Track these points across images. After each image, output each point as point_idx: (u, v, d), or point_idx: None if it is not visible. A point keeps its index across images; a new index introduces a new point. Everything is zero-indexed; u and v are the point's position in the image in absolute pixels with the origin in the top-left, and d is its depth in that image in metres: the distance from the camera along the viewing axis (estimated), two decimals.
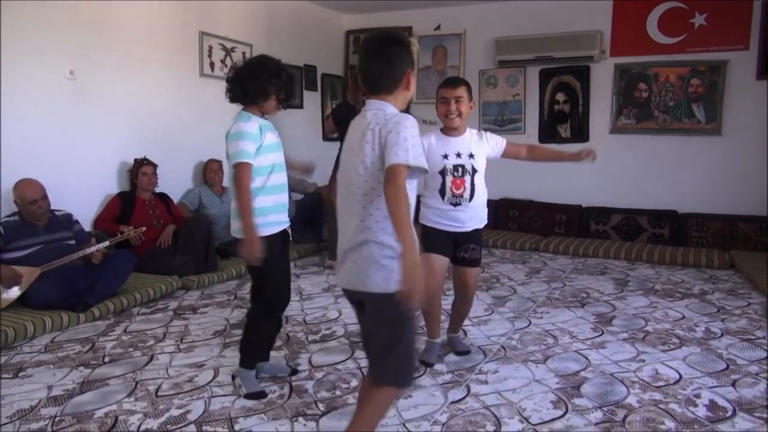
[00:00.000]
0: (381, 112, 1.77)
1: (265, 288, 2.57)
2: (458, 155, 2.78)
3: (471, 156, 2.79)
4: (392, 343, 1.77)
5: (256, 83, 2.49)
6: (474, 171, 2.79)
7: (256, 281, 2.62)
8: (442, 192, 2.79)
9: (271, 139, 2.52)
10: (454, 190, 2.77)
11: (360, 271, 1.74)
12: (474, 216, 2.85)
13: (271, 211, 2.50)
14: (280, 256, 2.59)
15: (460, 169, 2.78)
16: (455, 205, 2.79)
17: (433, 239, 2.86)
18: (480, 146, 2.84)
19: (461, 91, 2.78)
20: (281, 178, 2.55)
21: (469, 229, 2.85)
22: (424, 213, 2.91)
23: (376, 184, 1.71)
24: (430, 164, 2.71)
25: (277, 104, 2.58)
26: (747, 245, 5.46)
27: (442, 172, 2.77)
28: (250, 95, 2.51)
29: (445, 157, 2.78)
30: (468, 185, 2.79)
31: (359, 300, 1.83)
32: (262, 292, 2.59)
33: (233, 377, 2.63)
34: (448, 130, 2.83)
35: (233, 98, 2.57)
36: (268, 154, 2.49)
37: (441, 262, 2.85)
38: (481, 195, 2.84)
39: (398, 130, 1.68)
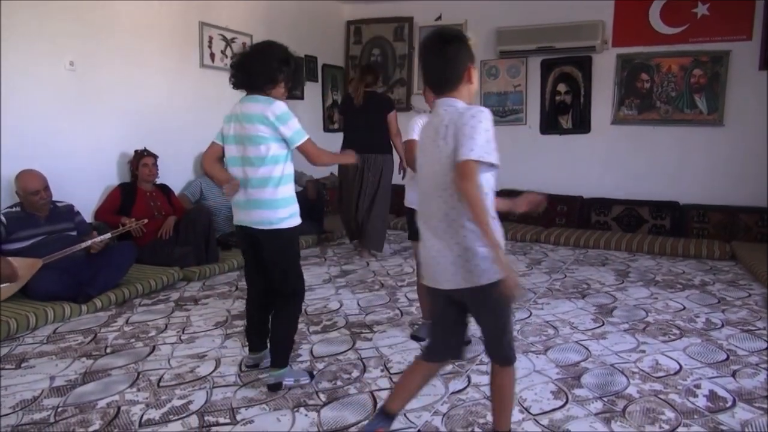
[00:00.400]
0: (452, 108, 1.81)
1: (293, 278, 2.55)
2: None
3: None
4: (504, 326, 1.87)
5: (266, 69, 2.45)
6: None
7: (281, 275, 2.54)
8: None
9: None
10: None
11: (461, 269, 1.76)
12: None
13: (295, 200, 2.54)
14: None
15: None
16: None
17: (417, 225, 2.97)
18: None
19: None
20: None
21: None
22: (409, 196, 3.05)
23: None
24: None
25: (285, 92, 2.54)
26: (748, 236, 5.46)
27: None
28: (259, 82, 2.46)
29: None
30: None
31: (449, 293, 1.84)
32: (288, 284, 2.55)
33: (276, 387, 2.49)
34: None
35: (238, 84, 2.52)
36: None
37: None
38: None
39: (473, 124, 1.71)
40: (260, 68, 2.45)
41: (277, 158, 2.42)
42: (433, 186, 1.81)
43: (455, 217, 1.75)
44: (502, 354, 1.90)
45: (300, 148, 2.47)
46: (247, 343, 2.80)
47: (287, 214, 2.46)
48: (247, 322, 2.78)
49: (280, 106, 2.41)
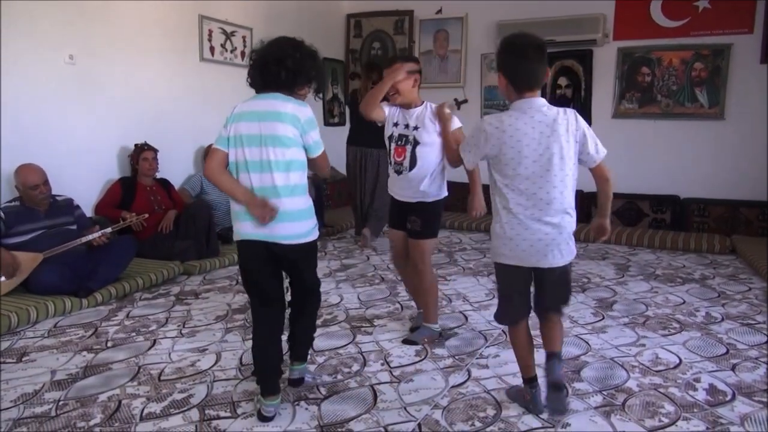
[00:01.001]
0: (553, 108, 2.07)
1: (314, 280, 2.45)
2: (406, 126, 2.90)
3: (415, 128, 2.87)
4: (569, 291, 2.28)
5: (304, 68, 2.23)
6: (416, 143, 2.86)
7: (309, 278, 2.41)
8: (389, 158, 2.98)
9: None
10: (396, 158, 2.92)
11: (566, 248, 2.13)
12: (416, 188, 2.88)
13: None
14: None
15: (403, 139, 2.90)
16: (398, 172, 2.93)
17: (390, 211, 3.12)
18: (431, 122, 2.85)
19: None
20: None
21: (413, 201, 2.93)
22: (391, 183, 3.10)
23: (570, 171, 2.08)
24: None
25: (307, 93, 2.36)
26: (748, 230, 5.46)
27: (389, 139, 2.95)
28: (298, 80, 2.22)
29: (395, 125, 2.93)
30: (408, 155, 2.87)
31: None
32: (315, 282, 2.45)
33: (299, 383, 2.46)
34: (401, 105, 2.94)
35: (268, 81, 2.21)
36: None
37: (396, 234, 3.08)
38: (425, 168, 2.85)
39: (586, 125, 2.06)
40: (299, 66, 2.20)
41: (303, 163, 2.23)
42: (550, 176, 2.04)
43: (567, 206, 2.09)
44: (566, 303, 2.30)
45: (316, 159, 2.27)
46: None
47: (314, 224, 2.28)
48: (262, 362, 2.30)
49: (309, 110, 2.21)
